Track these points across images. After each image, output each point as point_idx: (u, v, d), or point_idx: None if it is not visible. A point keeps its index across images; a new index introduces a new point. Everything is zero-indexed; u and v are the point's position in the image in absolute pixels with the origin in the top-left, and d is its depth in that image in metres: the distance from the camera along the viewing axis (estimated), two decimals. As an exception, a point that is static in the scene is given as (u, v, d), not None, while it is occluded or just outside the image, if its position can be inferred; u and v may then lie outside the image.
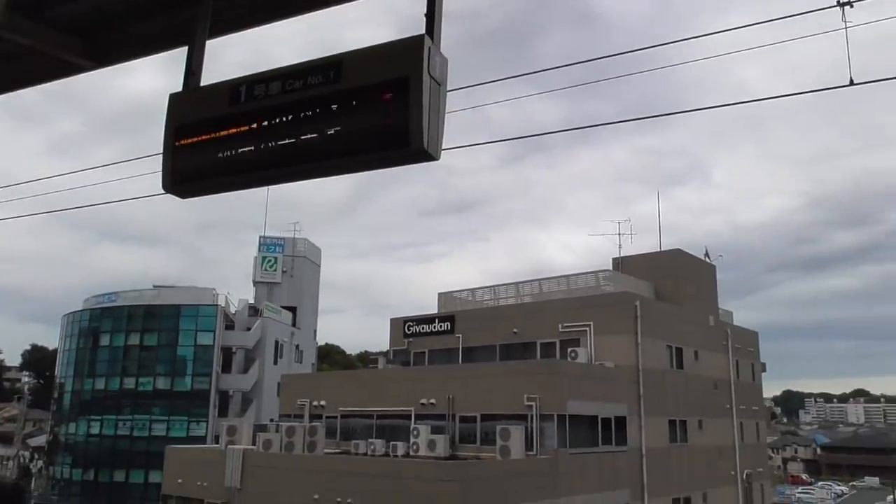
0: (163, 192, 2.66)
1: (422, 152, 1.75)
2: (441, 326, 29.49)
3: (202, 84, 2.63)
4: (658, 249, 32.08)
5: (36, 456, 59.62)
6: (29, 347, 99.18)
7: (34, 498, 45.08)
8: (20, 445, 62.16)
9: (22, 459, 59.21)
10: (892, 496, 51.91)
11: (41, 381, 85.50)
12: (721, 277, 33.68)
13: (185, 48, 2.86)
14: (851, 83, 4.79)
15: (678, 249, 31.71)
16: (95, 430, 44.52)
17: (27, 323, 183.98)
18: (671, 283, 29.73)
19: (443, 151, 1.79)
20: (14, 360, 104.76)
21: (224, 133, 2.26)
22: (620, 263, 31.04)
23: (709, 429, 28.89)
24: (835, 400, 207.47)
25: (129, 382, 44.68)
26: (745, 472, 30.88)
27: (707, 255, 34.14)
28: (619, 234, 32.13)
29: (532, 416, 21.45)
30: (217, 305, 45.35)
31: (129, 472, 42.37)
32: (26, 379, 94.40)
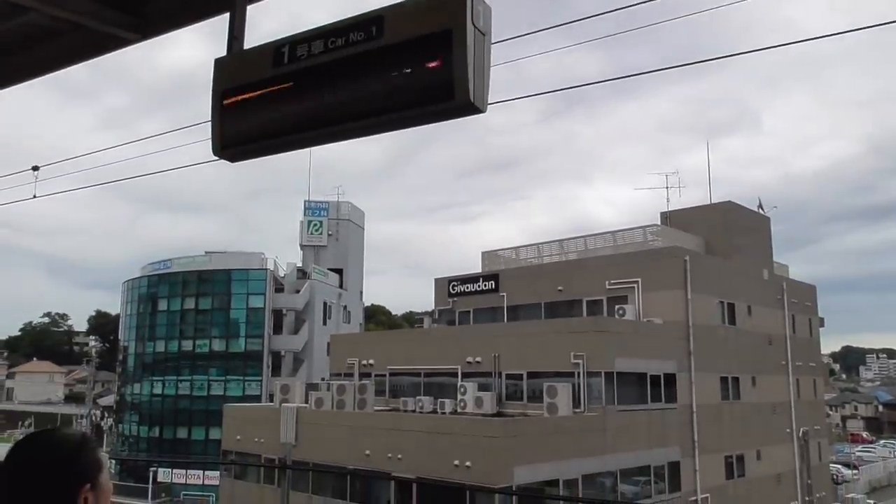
0: (213, 158, 2.71)
1: (468, 105, 1.72)
2: (485, 285, 29.57)
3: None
4: (708, 202, 31.28)
5: (106, 414, 62.86)
6: (94, 313, 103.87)
7: (108, 453, 47.60)
8: (91, 405, 65.51)
9: (94, 418, 62.50)
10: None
11: (106, 345, 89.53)
12: (775, 230, 32.64)
13: (227, 15, 2.87)
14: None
15: (729, 201, 30.83)
16: (158, 390, 46.54)
17: (91, 290, 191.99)
18: (722, 237, 29.01)
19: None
20: (81, 325, 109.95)
21: (270, 95, 2.27)
22: (669, 217, 30.42)
23: (763, 385, 28.45)
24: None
25: (187, 345, 46.39)
26: (802, 429, 30.39)
27: (760, 206, 33.12)
28: (667, 188, 31.52)
29: (579, 373, 21.49)
30: (266, 269, 46.40)
31: (191, 428, 44.30)
32: (93, 343, 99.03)
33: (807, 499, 29.44)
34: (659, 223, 29.88)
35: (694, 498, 23.52)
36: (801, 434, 30.27)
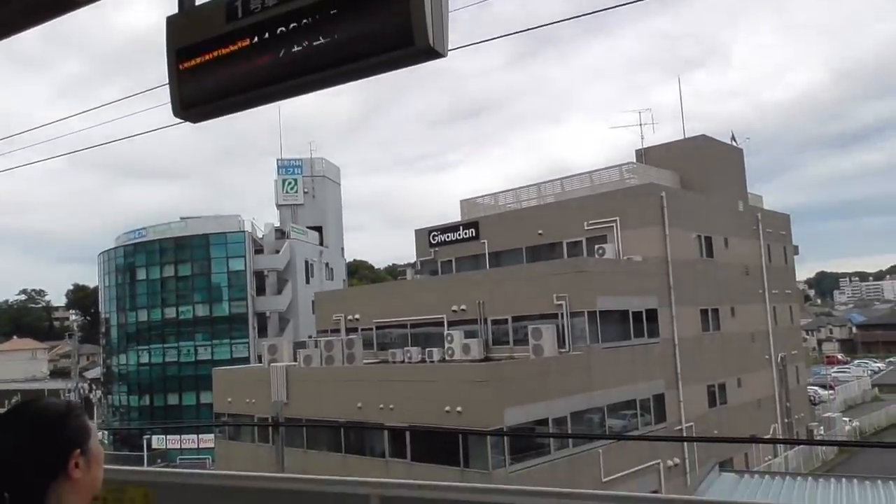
0: (176, 121, 2.63)
1: (428, 50, 1.67)
2: (465, 234, 29.62)
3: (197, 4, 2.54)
4: (682, 138, 31.32)
5: (94, 387, 62.84)
6: (71, 287, 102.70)
7: (99, 426, 47.78)
8: (78, 378, 65.38)
9: (81, 391, 62.49)
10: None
11: (87, 318, 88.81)
12: (748, 161, 32.83)
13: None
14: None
15: (703, 136, 30.87)
16: (145, 359, 46.52)
17: (66, 264, 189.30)
18: (697, 171, 29.17)
19: (450, 52, 1.70)
20: (59, 300, 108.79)
21: (226, 51, 2.19)
22: (644, 154, 30.46)
23: (741, 315, 29.09)
24: (870, 278, 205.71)
25: (170, 312, 46.20)
26: (780, 355, 31.28)
27: (733, 138, 33.24)
28: (641, 125, 31.35)
29: (562, 314, 21.80)
30: (244, 231, 46.00)
31: (182, 394, 44.53)
32: (74, 317, 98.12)
33: (786, 421, 30.52)
34: (634, 161, 29.92)
35: (679, 427, 24.26)
36: (779, 360, 31.17)
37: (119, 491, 2.42)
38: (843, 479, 13.54)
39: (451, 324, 23.90)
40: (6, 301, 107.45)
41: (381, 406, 20.24)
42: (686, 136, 31.25)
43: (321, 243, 50.15)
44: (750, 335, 29.64)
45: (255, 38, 2.12)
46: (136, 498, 2.43)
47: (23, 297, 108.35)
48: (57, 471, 1.43)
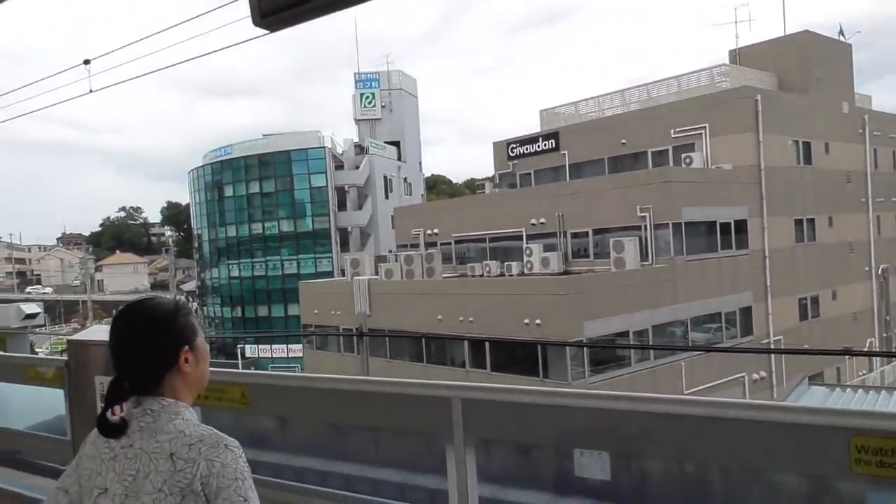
0: (256, 34, 2.52)
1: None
2: (545, 145, 28.89)
3: None
4: (782, 35, 28.87)
5: (190, 299, 67.05)
6: (165, 204, 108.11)
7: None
8: (175, 291, 69.83)
9: (179, 302, 66.71)
10: None
11: (181, 234, 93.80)
12: (858, 57, 30.10)
13: None
14: None
15: (806, 31, 28.31)
16: (235, 272, 48.91)
17: (159, 182, 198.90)
18: (798, 72, 26.96)
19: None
20: (154, 217, 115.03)
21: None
22: (738, 55, 28.38)
23: (840, 225, 27.48)
24: None
25: (257, 228, 48.00)
26: (881, 266, 29.58)
27: (841, 32, 30.30)
28: (736, 23, 29.11)
29: (646, 226, 21.19)
30: (324, 147, 46.53)
31: (271, 306, 46.84)
32: (169, 233, 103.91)
33: (884, 335, 29.17)
34: (727, 62, 27.97)
35: (766, 340, 23.63)
36: (880, 271, 29.50)
37: (220, 390, 2.60)
38: (946, 395, 12.87)
39: (531, 237, 23.72)
40: (108, 218, 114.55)
41: (461, 319, 20.61)
42: (787, 33, 28.82)
43: (399, 158, 50.27)
44: (848, 245, 28.07)
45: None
46: (235, 396, 2.60)
47: (122, 214, 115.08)
48: (169, 364, 1.57)
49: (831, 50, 28.86)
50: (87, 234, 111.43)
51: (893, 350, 27.98)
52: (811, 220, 26.24)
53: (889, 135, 31.01)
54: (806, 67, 27.01)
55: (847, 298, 27.53)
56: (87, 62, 9.37)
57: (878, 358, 28.80)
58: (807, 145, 26.14)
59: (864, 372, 27.54)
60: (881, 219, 30.03)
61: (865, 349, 27.59)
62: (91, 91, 9.38)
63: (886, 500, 1.60)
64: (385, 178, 47.86)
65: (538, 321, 18.81)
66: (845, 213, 27.80)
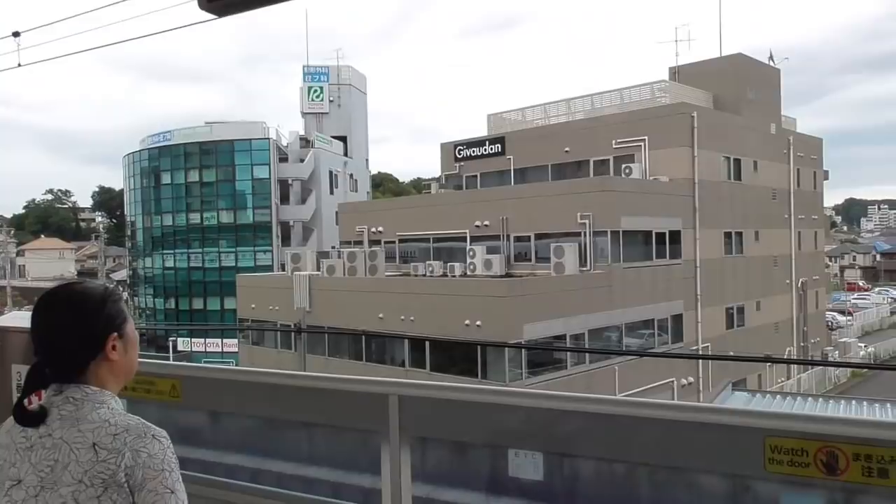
0: (204, 18, 2.47)
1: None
2: (491, 149, 29.17)
3: None
4: (718, 56, 30.00)
5: (120, 288, 64.70)
6: (97, 189, 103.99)
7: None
8: (105, 280, 67.27)
9: (108, 287, 64.22)
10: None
11: (113, 221, 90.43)
12: (785, 82, 31.46)
13: None
14: None
15: (740, 54, 29.57)
16: (170, 263, 47.44)
17: (91, 165, 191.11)
18: (731, 91, 28.13)
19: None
20: (85, 201, 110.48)
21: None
22: (677, 73, 29.34)
23: (765, 239, 28.76)
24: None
25: (195, 218, 46.65)
26: (801, 280, 31.08)
27: (771, 58, 31.79)
28: (677, 41, 30.09)
29: (585, 233, 21.66)
30: (269, 139, 45.65)
31: (206, 299, 45.63)
32: (100, 219, 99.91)
33: (802, 344, 30.66)
34: (667, 79, 28.87)
35: (695, 347, 24.48)
36: (799, 284, 30.99)
37: (150, 382, 2.54)
38: (854, 401, 13.63)
39: (474, 239, 23.90)
40: (33, 200, 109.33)
41: (402, 317, 20.58)
42: (723, 55, 29.96)
43: (346, 154, 49.77)
44: (773, 259, 29.42)
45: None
46: (164, 389, 2.55)
47: (49, 196, 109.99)
48: (96, 351, 1.51)
49: (762, 73, 30.22)
50: (8, 216, 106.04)
51: (810, 359, 29.42)
52: (739, 234, 27.37)
53: (811, 156, 32.68)
54: (739, 88, 28.21)
55: (770, 309, 28.83)
56: (16, 34, 8.97)
57: (795, 366, 30.31)
58: (737, 162, 27.26)
59: (783, 379, 28.93)
60: (801, 235, 31.60)
61: (785, 357, 28.92)
62: (20, 65, 8.98)
63: (798, 502, 1.69)
64: (330, 173, 47.30)
65: (479, 322, 18.98)
66: (770, 228, 29.11)
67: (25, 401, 1.48)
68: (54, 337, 1.49)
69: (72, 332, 1.50)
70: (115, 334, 1.55)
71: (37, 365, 1.50)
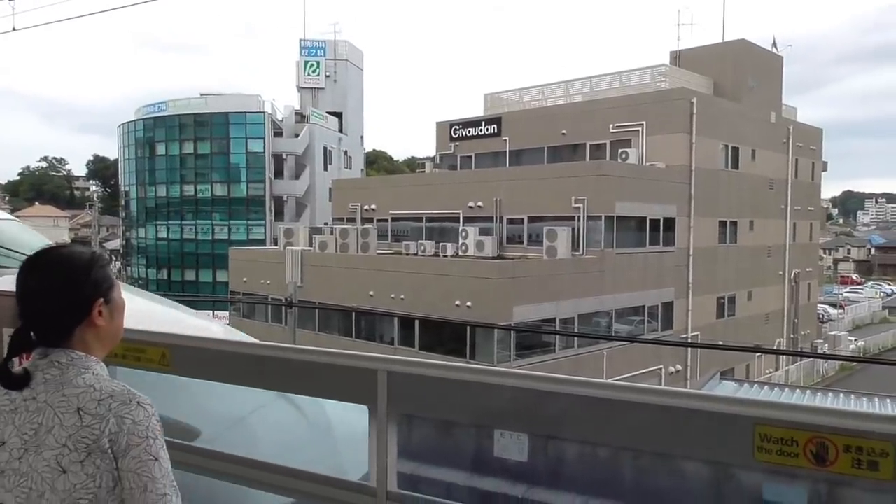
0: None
1: None
2: (487, 129, 29.02)
3: None
4: (720, 41, 29.81)
5: (113, 258, 64.48)
6: (92, 157, 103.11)
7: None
8: (98, 249, 66.84)
9: (96, 252, 64.03)
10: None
11: (107, 190, 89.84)
12: (788, 71, 31.31)
13: None
14: None
15: (742, 40, 29.36)
16: (163, 234, 47.30)
17: (86, 133, 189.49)
18: (732, 78, 27.97)
19: None
20: (79, 169, 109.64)
21: None
22: (678, 57, 29.16)
23: (760, 229, 28.80)
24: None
25: (189, 189, 46.45)
26: (794, 271, 31.19)
27: (774, 45, 31.59)
28: (679, 25, 29.88)
29: (579, 217, 21.65)
30: (264, 112, 45.31)
31: (199, 271, 45.57)
32: (94, 188, 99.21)
33: (791, 336, 30.88)
34: (667, 63, 28.70)
35: (685, 335, 24.63)
36: (792, 276, 31.12)
37: (139, 350, 2.52)
38: (841, 394, 13.75)
39: (467, 220, 23.86)
40: (27, 167, 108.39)
41: (393, 296, 20.60)
42: (725, 40, 29.78)
43: (341, 130, 49.47)
44: (766, 249, 29.48)
45: None
46: (154, 357, 2.52)
47: (44, 164, 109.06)
48: (81, 316, 1.49)
49: (764, 60, 30.04)
50: (3, 182, 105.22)
51: (799, 350, 29.66)
52: (734, 223, 27.40)
53: (810, 146, 32.62)
54: (740, 75, 28.05)
55: (761, 300, 28.96)
56: (11, -2, 8.84)
57: (784, 357, 30.54)
58: (735, 150, 27.20)
59: (771, 370, 29.16)
60: (797, 226, 31.63)
61: (774, 348, 29.13)
62: (14, 29, 8.87)
63: (782, 492, 1.69)
64: (325, 148, 47.04)
65: (469, 303, 19.01)
66: (765, 218, 29.14)
67: (10, 364, 1.47)
68: (39, 300, 1.47)
69: (57, 296, 1.47)
70: (102, 300, 1.52)
71: (21, 328, 1.48)
